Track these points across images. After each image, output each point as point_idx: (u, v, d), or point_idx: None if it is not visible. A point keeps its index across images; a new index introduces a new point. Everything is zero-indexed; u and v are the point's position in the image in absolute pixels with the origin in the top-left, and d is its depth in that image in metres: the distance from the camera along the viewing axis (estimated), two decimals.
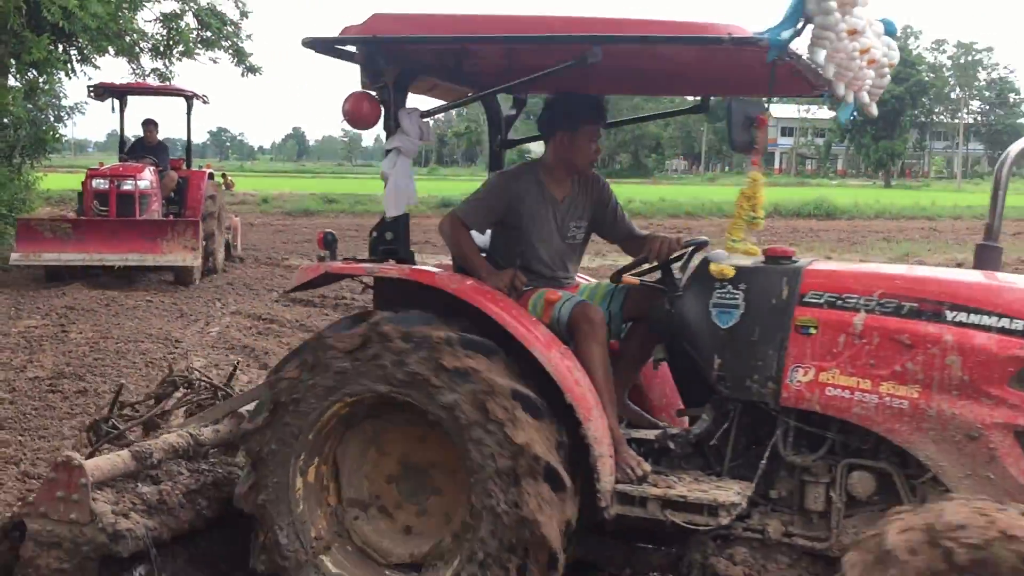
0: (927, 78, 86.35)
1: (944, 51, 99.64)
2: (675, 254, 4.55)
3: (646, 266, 4.62)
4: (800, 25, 3.74)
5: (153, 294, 14.39)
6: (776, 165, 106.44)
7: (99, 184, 15.50)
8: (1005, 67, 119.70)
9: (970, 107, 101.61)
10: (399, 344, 3.98)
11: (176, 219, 15.71)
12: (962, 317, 3.84)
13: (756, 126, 3.89)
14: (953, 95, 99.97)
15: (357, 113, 4.34)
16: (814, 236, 27.27)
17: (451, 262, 4.87)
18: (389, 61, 4.35)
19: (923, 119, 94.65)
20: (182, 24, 21.51)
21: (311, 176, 77.47)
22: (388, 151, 4.44)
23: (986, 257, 4.49)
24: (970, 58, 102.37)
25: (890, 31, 4.24)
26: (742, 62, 4.05)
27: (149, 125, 16.96)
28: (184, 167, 17.43)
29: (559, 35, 3.98)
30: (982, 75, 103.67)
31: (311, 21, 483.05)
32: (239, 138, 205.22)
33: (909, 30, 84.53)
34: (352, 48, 4.34)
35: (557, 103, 4.69)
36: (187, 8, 21.71)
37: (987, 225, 4.56)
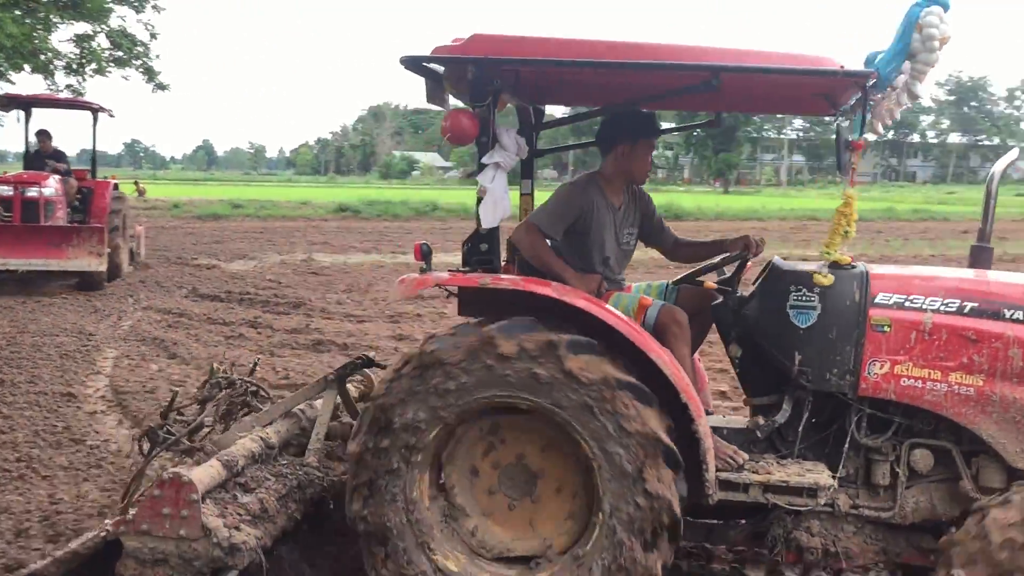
0: None
1: None
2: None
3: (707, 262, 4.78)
4: (903, 60, 3.74)
5: (68, 292, 13.70)
6: None
7: (3, 191, 14.33)
8: None
9: (793, 124, 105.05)
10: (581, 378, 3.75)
11: (82, 225, 14.59)
12: (1019, 315, 3.96)
13: (852, 149, 3.84)
14: (779, 114, 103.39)
15: (458, 130, 3.98)
16: None
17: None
18: (499, 81, 4.02)
19: (755, 135, 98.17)
20: (95, 44, 20.76)
21: (219, 184, 75.26)
22: (484, 165, 4.10)
23: (979, 256, 4.60)
24: None
25: None
26: (787, 83, 4.08)
27: (42, 135, 15.82)
28: (90, 177, 16.19)
29: (688, 63, 3.82)
30: None
31: (222, 43, 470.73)
32: (152, 149, 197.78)
33: None
34: (434, 66, 4.00)
35: (618, 119, 4.50)
36: (99, 30, 20.95)
37: (980, 229, 4.67)
